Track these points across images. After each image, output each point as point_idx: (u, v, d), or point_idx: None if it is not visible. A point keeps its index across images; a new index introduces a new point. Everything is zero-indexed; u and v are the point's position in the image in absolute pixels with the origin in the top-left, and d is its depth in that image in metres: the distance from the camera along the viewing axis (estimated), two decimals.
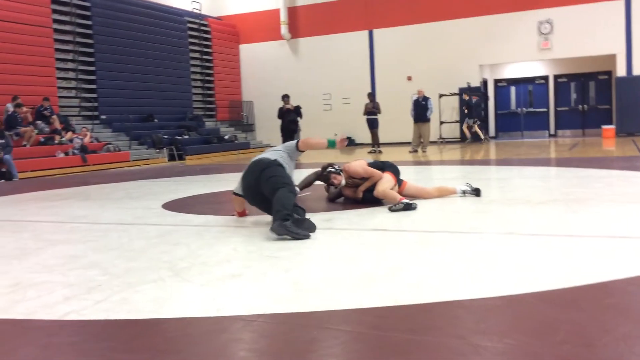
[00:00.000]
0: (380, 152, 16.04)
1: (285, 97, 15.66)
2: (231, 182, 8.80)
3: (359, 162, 5.91)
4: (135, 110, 18.20)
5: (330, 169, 5.80)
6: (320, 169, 5.97)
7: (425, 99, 15.53)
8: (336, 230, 4.60)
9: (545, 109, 21.59)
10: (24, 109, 14.42)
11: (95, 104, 17.46)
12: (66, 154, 14.37)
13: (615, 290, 2.80)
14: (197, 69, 21.80)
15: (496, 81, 22.15)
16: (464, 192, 5.96)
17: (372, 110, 16.45)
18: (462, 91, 19.32)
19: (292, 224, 4.16)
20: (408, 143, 16.60)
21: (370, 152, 16.02)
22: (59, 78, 16.49)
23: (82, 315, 2.69)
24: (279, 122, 15.59)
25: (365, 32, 21.46)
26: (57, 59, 16.44)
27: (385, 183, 5.64)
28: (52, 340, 2.44)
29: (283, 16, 22.30)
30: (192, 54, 21.45)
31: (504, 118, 22.14)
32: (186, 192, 7.87)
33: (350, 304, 2.67)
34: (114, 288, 3.11)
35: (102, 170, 14.22)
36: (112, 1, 18.06)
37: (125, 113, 17.64)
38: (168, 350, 2.26)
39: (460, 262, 3.39)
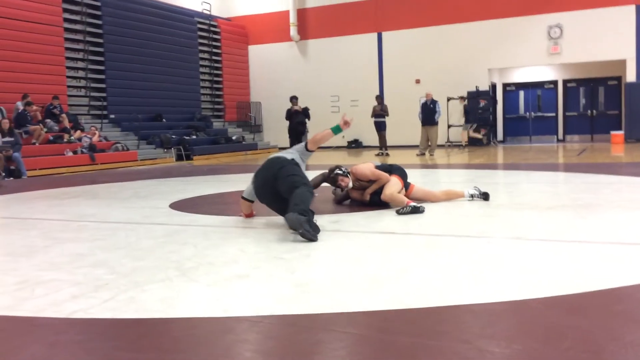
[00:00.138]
0: (387, 154, 16.03)
1: (294, 99, 15.67)
2: (238, 182, 8.83)
3: (367, 165, 5.90)
4: (143, 110, 18.27)
5: (337, 171, 5.79)
6: (327, 170, 5.97)
7: (433, 102, 15.50)
8: (343, 232, 4.60)
9: (553, 114, 21.51)
10: (34, 107, 14.50)
11: (105, 103, 17.54)
12: (75, 152, 14.43)
13: (623, 297, 2.78)
14: (206, 70, 21.86)
15: (505, 85, 22.09)
16: (472, 196, 5.94)
17: (380, 113, 16.45)
18: (460, 97, 19.29)
19: (306, 221, 4.16)
20: (415, 146, 16.58)
21: (377, 155, 16.01)
22: (68, 77, 16.58)
23: (89, 313, 2.70)
24: (287, 123, 15.59)
25: (374, 35, 21.46)
26: (67, 58, 16.53)
27: (392, 186, 5.63)
28: (59, 338, 2.45)
29: (292, 18, 22.33)
30: (201, 55, 21.51)
31: (512, 122, 22.08)
32: (194, 192, 7.89)
33: (357, 307, 2.67)
34: (121, 287, 3.12)
35: (110, 169, 14.28)
36: (123, 1, 18.14)
37: (134, 113, 17.71)
38: (174, 350, 2.26)
39: (467, 266, 3.38)
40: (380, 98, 17.17)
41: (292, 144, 15.28)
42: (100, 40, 17.39)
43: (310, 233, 4.12)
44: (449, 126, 19.83)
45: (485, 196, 5.92)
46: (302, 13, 22.52)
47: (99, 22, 17.39)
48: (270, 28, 22.95)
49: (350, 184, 5.81)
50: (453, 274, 3.20)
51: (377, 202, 5.72)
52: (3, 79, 14.52)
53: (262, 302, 2.79)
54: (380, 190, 5.71)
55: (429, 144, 15.39)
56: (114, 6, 17.77)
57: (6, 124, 12.54)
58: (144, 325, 2.57)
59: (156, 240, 4.46)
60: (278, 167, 4.77)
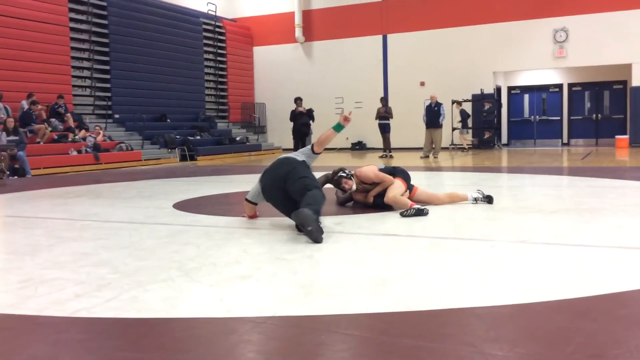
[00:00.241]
0: (391, 157, 16.02)
1: (298, 100, 15.70)
2: (242, 183, 8.83)
3: (370, 167, 5.89)
4: (148, 110, 18.30)
5: (341, 173, 5.78)
6: (330, 172, 5.96)
7: (438, 104, 15.48)
8: (346, 234, 4.59)
9: (558, 118, 21.46)
10: (39, 106, 14.54)
11: (109, 103, 17.58)
12: (79, 152, 14.46)
13: (628, 301, 2.77)
14: (211, 70, 21.89)
15: (510, 88, 22.05)
16: (475, 200, 5.92)
17: (384, 115, 16.45)
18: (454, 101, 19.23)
19: (316, 221, 4.16)
20: (420, 148, 16.56)
21: (381, 157, 16.00)
22: (74, 76, 16.63)
23: (91, 312, 2.70)
24: (291, 124, 15.62)
25: (380, 37, 21.45)
26: (73, 58, 16.58)
27: (396, 189, 5.62)
28: (62, 337, 2.45)
29: (298, 19, 22.35)
30: (206, 55, 21.54)
31: (517, 126, 22.03)
32: (197, 193, 7.89)
33: (359, 308, 2.66)
34: (124, 286, 3.12)
35: (114, 168, 14.30)
36: (129, 1, 18.18)
37: (139, 112, 17.73)
38: (176, 350, 2.25)
39: (470, 269, 3.36)
40: (384, 100, 17.16)
41: (296, 145, 15.31)
42: (106, 40, 17.44)
43: (318, 232, 4.12)
44: (454, 129, 19.80)
45: (489, 199, 5.90)
46: (307, 15, 22.54)
47: (105, 22, 17.43)
48: (276, 29, 22.97)
49: (354, 187, 5.80)
50: (456, 277, 3.19)
51: (380, 205, 5.71)
52: (8, 78, 14.56)
53: (264, 303, 2.79)
54: (383, 192, 5.70)
55: (433, 146, 15.37)
56: (120, 6, 17.82)
57: (11, 122, 12.57)
58: (147, 325, 2.57)
59: (159, 240, 4.46)
60: (290, 168, 4.76)
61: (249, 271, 3.41)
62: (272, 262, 3.67)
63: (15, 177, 11.82)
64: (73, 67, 16.58)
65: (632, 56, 18.14)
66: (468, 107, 19.75)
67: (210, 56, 21.84)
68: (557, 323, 2.44)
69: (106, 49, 17.46)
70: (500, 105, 20.99)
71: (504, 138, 21.59)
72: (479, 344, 2.23)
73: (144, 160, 15.96)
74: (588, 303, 2.71)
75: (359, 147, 21.54)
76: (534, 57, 19.33)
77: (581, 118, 21.21)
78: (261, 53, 23.57)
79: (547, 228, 4.66)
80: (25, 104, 14.25)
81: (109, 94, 17.60)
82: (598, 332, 2.34)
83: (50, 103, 15.17)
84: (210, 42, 21.81)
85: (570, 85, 21.27)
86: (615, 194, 6.78)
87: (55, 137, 14.54)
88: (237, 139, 20.47)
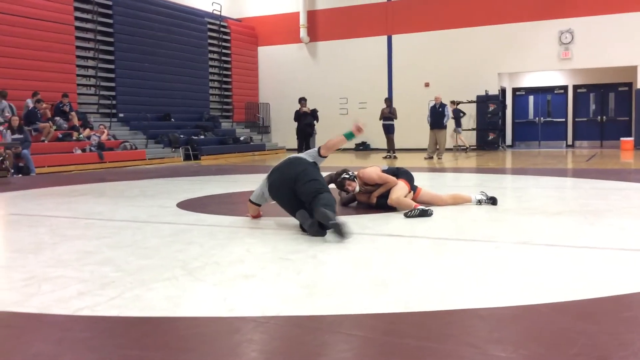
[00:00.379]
0: (395, 157, 16.01)
1: (302, 100, 15.69)
2: (246, 183, 8.83)
3: (374, 169, 5.89)
4: (152, 109, 18.33)
5: (344, 175, 5.78)
6: (333, 172, 5.95)
7: (442, 105, 15.47)
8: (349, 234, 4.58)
9: (563, 119, 21.41)
10: (44, 104, 14.58)
11: (114, 102, 17.62)
12: (83, 150, 14.50)
13: (632, 303, 2.76)
14: (215, 70, 21.92)
15: (514, 90, 22.01)
16: (479, 202, 5.91)
17: (388, 116, 16.43)
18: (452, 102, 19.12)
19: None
20: (424, 149, 16.55)
21: (385, 158, 15.99)
22: (78, 75, 16.68)
23: (95, 311, 2.71)
24: (295, 124, 15.62)
25: (384, 38, 21.45)
26: (78, 57, 16.63)
27: (399, 191, 5.61)
28: (65, 335, 2.45)
29: (302, 19, 22.36)
30: (210, 55, 21.57)
31: (521, 127, 21.99)
32: (201, 192, 7.90)
33: (363, 309, 2.66)
34: (127, 285, 3.12)
35: (119, 167, 14.33)
36: (134, 1, 18.22)
37: (143, 112, 17.77)
38: (179, 349, 2.25)
39: (474, 270, 3.36)
40: (389, 101, 17.15)
41: (300, 145, 15.30)
42: (111, 40, 17.49)
43: (344, 226, 4.12)
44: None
45: (493, 201, 5.89)
46: (312, 15, 22.55)
47: (110, 21, 17.48)
48: (280, 29, 22.98)
49: (357, 188, 5.79)
50: (460, 278, 3.19)
51: (383, 205, 5.70)
52: (14, 76, 14.62)
53: (268, 303, 2.79)
54: (387, 193, 5.69)
55: (437, 147, 15.36)
56: (125, 6, 17.86)
57: (16, 121, 12.61)
58: (150, 324, 2.57)
59: (163, 239, 4.47)
60: (301, 168, 4.75)
61: (252, 271, 3.41)
62: (276, 261, 3.67)
63: (20, 175, 11.86)
64: (78, 66, 16.63)
65: (638, 58, 18.10)
66: (472, 108, 19.72)
67: (215, 56, 21.87)
68: (560, 325, 2.44)
69: (111, 48, 17.51)
70: (504, 107, 20.96)
71: (509, 139, 21.56)
72: (482, 345, 2.22)
73: (148, 159, 15.99)
74: (592, 305, 2.70)
75: (362, 147, 21.54)
76: (539, 58, 19.30)
77: (586, 120, 21.16)
78: (266, 53, 23.59)
79: (551, 230, 4.65)
80: (30, 103, 14.30)
81: (113, 93, 17.65)
82: (602, 334, 2.33)
83: (55, 102, 15.22)
84: (215, 42, 21.83)
85: (575, 87, 21.22)
86: (620, 196, 6.76)
87: (60, 135, 14.58)
88: (241, 138, 20.49)
